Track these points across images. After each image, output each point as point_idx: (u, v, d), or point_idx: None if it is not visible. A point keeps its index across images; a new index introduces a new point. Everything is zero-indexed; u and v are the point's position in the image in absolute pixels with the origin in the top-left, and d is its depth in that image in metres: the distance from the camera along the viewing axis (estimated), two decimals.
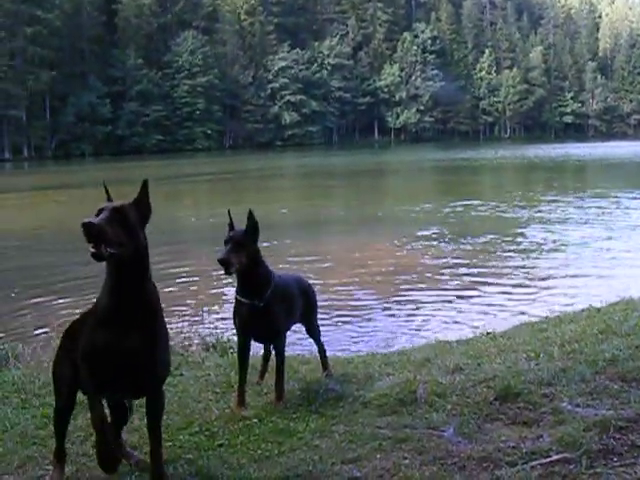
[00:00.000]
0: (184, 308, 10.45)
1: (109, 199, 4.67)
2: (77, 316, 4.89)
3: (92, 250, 4.08)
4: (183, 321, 9.18)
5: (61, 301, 14.91)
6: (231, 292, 9.48)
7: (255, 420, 5.57)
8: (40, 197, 42.58)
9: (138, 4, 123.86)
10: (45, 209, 36.33)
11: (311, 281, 14.35)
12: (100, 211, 4.33)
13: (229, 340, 8.77)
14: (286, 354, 6.55)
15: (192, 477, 4.57)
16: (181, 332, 8.89)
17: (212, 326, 9.29)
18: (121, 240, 4.12)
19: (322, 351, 7.12)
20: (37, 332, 9.25)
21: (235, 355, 6.75)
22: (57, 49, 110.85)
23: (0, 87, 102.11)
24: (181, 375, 7.12)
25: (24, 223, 29.84)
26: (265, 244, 20.55)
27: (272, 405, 5.93)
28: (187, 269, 18.28)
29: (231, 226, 6.46)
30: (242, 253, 6.05)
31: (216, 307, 9.70)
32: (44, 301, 14.93)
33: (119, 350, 4.11)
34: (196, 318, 9.19)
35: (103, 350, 4.12)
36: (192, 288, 15.08)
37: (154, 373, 4.27)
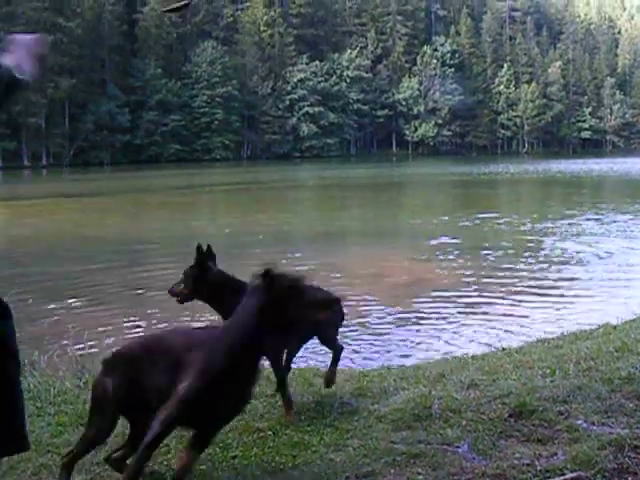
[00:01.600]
0: (200, 318, 10.46)
1: None
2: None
3: None
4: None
5: (77, 309, 14.94)
6: None
7: (269, 432, 5.57)
8: (58, 205, 42.71)
9: (158, 14, 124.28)
10: (63, 217, 36.42)
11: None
12: None
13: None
14: (300, 366, 6.53)
15: None
16: None
17: None
18: None
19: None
20: (53, 340, 9.29)
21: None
22: (77, 57, 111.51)
23: (20, 95, 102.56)
24: None
25: (42, 230, 29.92)
26: (280, 255, 20.64)
27: (287, 418, 5.93)
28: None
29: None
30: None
31: None
32: (60, 308, 14.94)
33: None
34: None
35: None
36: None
37: None
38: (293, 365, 7.43)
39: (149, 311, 14.70)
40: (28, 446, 2.95)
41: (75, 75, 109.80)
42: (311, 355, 9.63)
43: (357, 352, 11.28)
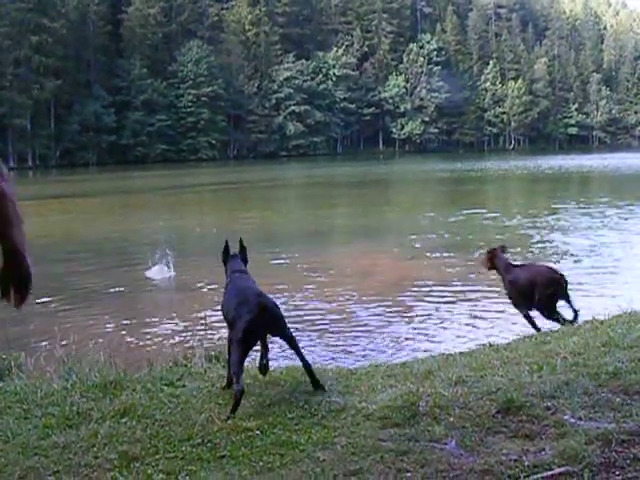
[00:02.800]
0: (187, 318, 10.46)
1: None
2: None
3: None
4: (186, 331, 9.17)
5: (63, 310, 14.93)
6: None
7: (257, 432, 5.55)
8: (44, 206, 42.58)
9: (143, 14, 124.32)
10: (49, 218, 36.33)
11: (312, 292, 14.34)
12: None
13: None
14: (287, 364, 6.54)
15: None
16: (184, 342, 8.88)
17: (215, 337, 9.29)
18: None
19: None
20: (40, 342, 9.27)
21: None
22: (62, 58, 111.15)
23: (5, 96, 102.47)
24: (183, 386, 7.10)
25: (28, 232, 29.68)
26: (269, 255, 20.65)
27: (274, 416, 5.91)
28: (190, 279, 18.28)
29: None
30: None
31: (219, 317, 9.69)
32: (47, 311, 14.93)
33: None
34: (199, 328, 9.17)
35: None
36: (195, 298, 15.09)
37: None
38: (284, 363, 7.46)
39: (134, 311, 14.70)
40: None
41: (60, 76, 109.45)
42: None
43: (345, 350, 11.30)
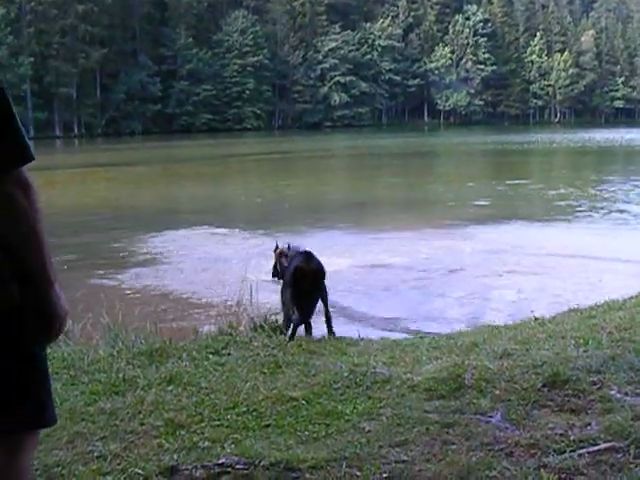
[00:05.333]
0: (232, 287, 10.44)
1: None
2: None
3: None
4: (231, 300, 9.19)
5: (110, 279, 15.05)
6: None
7: (303, 402, 5.58)
8: (89, 174, 42.88)
9: None
10: (94, 187, 36.60)
11: (354, 262, 14.37)
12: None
13: (277, 320, 8.81)
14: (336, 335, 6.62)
15: (239, 457, 4.59)
16: (229, 312, 8.91)
17: (260, 306, 9.30)
18: None
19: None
20: (87, 309, 9.31)
21: (283, 335, 8.04)
22: (108, 27, 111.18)
23: (51, 64, 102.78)
24: (229, 355, 7.15)
25: (73, 200, 30.08)
26: (309, 226, 20.64)
27: (319, 386, 5.93)
28: (235, 248, 18.34)
29: None
30: None
31: (264, 287, 9.71)
32: (93, 278, 15.06)
33: None
34: (245, 297, 9.19)
35: None
36: (240, 267, 15.15)
37: None
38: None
39: (180, 279, 14.78)
40: (45, 423, 2.94)
41: (106, 45, 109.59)
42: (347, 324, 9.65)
43: (389, 321, 11.30)
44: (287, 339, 7.86)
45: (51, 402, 2.92)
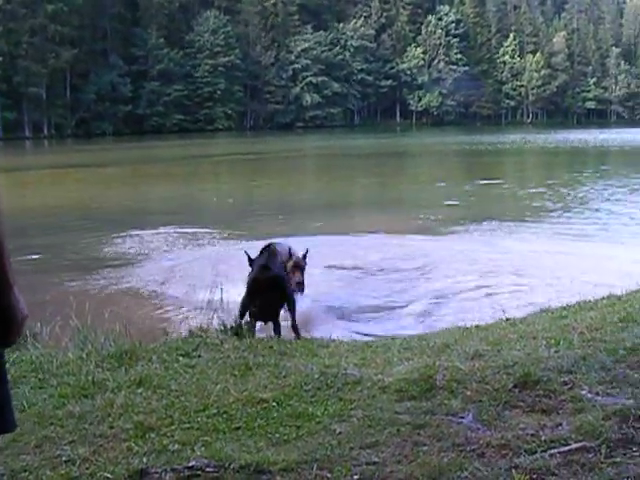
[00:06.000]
0: (202, 289, 10.39)
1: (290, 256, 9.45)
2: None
3: None
4: (202, 302, 9.17)
5: (79, 281, 14.94)
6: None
7: (273, 403, 5.56)
8: (60, 175, 42.68)
9: None
10: (65, 187, 36.43)
11: (325, 263, 14.34)
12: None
13: (247, 323, 8.79)
14: (305, 338, 6.59)
15: (209, 460, 4.56)
16: (200, 313, 8.88)
17: (231, 308, 9.27)
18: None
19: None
20: (55, 311, 9.23)
21: (251, 338, 7.66)
22: (78, 27, 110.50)
23: (20, 64, 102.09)
24: (199, 357, 7.12)
25: (43, 201, 29.92)
26: (285, 226, 20.61)
27: (290, 388, 5.90)
28: (206, 249, 18.29)
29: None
30: None
31: (234, 289, 9.68)
32: (62, 280, 14.96)
33: None
34: (215, 299, 9.16)
35: None
36: (210, 269, 15.09)
37: None
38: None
39: (150, 281, 14.71)
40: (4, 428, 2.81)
41: (76, 45, 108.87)
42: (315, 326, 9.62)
43: (361, 322, 11.29)
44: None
45: (10, 407, 2.84)
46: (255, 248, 9.76)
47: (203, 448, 4.78)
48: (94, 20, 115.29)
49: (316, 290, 12.84)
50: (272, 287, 8.97)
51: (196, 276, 14.01)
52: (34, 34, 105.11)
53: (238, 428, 5.15)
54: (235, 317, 8.85)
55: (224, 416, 5.36)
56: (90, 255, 18.05)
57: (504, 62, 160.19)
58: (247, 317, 8.92)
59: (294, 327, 9.00)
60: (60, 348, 7.59)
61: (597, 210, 24.98)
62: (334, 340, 8.37)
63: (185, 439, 4.92)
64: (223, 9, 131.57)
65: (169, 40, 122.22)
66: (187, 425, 5.20)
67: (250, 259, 9.68)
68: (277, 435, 4.99)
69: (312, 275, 13.02)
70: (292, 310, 9.15)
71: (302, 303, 10.34)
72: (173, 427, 5.16)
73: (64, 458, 4.68)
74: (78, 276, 15.35)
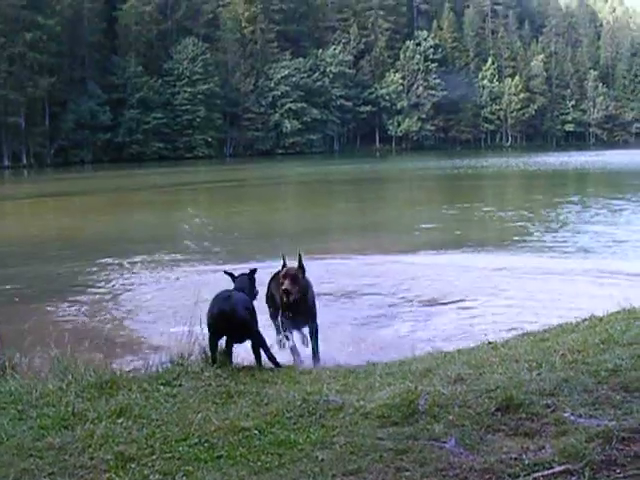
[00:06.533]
0: (183, 317, 10.33)
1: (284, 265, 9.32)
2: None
3: None
4: (182, 331, 9.11)
5: (58, 310, 14.85)
6: None
7: (255, 431, 5.51)
8: (39, 205, 42.58)
9: (138, 11, 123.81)
10: (44, 217, 36.32)
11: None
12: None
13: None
14: (285, 364, 6.55)
15: None
16: (180, 341, 8.82)
17: None
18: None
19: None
20: (34, 341, 9.16)
21: (232, 365, 7.64)
22: (57, 55, 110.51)
23: None
24: (180, 385, 7.07)
25: (23, 231, 29.81)
26: (264, 251, 20.57)
27: (272, 416, 5.86)
28: (186, 277, 18.22)
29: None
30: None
31: None
32: (41, 310, 14.86)
33: None
34: (197, 327, 9.10)
35: None
36: (190, 296, 15.03)
37: None
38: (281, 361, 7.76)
39: (130, 310, 14.64)
40: None
41: (55, 73, 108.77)
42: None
43: (343, 349, 11.24)
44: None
45: None
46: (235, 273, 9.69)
47: (185, 478, 4.74)
48: (72, 48, 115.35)
49: None
50: (229, 323, 8.13)
51: (176, 303, 13.96)
52: (13, 62, 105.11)
53: (220, 457, 5.11)
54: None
55: (205, 445, 5.32)
56: (70, 284, 17.95)
57: (483, 86, 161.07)
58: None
59: (270, 358, 8.44)
60: (40, 379, 7.52)
61: (578, 232, 25.08)
62: (315, 367, 8.34)
63: (166, 469, 4.87)
64: (202, 36, 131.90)
65: (148, 68, 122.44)
66: (168, 455, 5.15)
67: (233, 277, 8.88)
68: (259, 463, 4.94)
69: None
70: (259, 346, 8.27)
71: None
72: (154, 457, 5.11)
73: None
74: (57, 305, 15.26)
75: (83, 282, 18.21)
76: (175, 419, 5.90)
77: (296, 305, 9.24)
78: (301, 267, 9.67)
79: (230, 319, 8.02)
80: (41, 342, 8.79)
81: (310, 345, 9.45)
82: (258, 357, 8.18)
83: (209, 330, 8.13)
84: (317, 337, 9.51)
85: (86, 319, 13.89)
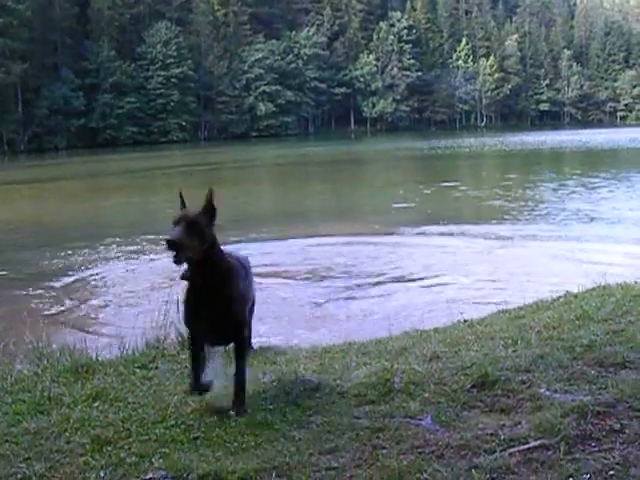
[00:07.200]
0: (158, 300, 10.30)
1: (183, 206, 5.78)
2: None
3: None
4: (158, 313, 9.08)
5: (35, 297, 14.79)
6: None
7: (231, 412, 5.51)
8: (13, 192, 42.32)
9: None
10: (18, 203, 36.11)
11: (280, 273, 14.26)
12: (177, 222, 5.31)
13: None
14: (262, 345, 6.52)
15: (167, 471, 4.50)
16: (156, 325, 8.80)
17: None
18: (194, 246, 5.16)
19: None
20: (9, 327, 9.12)
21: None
22: (28, 41, 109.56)
23: None
24: (156, 368, 7.05)
25: None
26: (238, 237, 20.55)
27: (248, 397, 5.83)
28: (161, 261, 18.16)
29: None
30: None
31: None
32: (16, 296, 14.80)
33: None
34: (172, 309, 9.08)
35: None
36: (168, 279, 15.00)
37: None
38: (255, 344, 7.61)
39: (105, 294, 14.60)
40: None
41: (27, 59, 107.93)
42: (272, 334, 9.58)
43: (319, 329, 11.26)
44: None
45: None
46: None
47: (161, 460, 4.72)
48: (44, 34, 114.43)
49: (270, 298, 12.82)
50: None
51: (152, 287, 13.94)
52: None
53: (196, 438, 5.10)
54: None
55: (182, 427, 5.30)
56: (44, 269, 17.89)
57: (457, 67, 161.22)
58: None
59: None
60: (15, 364, 7.48)
61: (553, 209, 25.19)
62: (292, 347, 8.34)
63: (143, 451, 4.86)
64: (175, 20, 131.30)
65: (121, 52, 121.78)
66: (145, 437, 5.13)
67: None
68: (235, 444, 4.94)
69: (268, 283, 13.02)
70: None
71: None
72: (130, 440, 5.09)
73: (19, 476, 4.59)
74: (32, 291, 15.20)
75: (57, 267, 18.14)
76: (151, 402, 5.88)
77: (205, 292, 5.54)
78: (209, 211, 5.79)
79: None
80: (15, 328, 8.77)
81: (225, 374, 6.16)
82: None
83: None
84: (243, 364, 5.78)
85: (61, 304, 13.85)
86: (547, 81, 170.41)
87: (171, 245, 5.20)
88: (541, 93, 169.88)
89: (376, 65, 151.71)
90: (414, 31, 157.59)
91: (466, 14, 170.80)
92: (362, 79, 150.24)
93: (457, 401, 5.40)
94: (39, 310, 12.61)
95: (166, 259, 15.26)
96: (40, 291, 15.22)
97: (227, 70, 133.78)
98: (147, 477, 4.46)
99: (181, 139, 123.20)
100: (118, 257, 19.17)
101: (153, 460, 4.72)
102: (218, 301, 5.51)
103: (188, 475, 4.42)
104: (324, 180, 43.45)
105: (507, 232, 20.53)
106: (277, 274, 15.75)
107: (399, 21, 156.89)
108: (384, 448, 4.68)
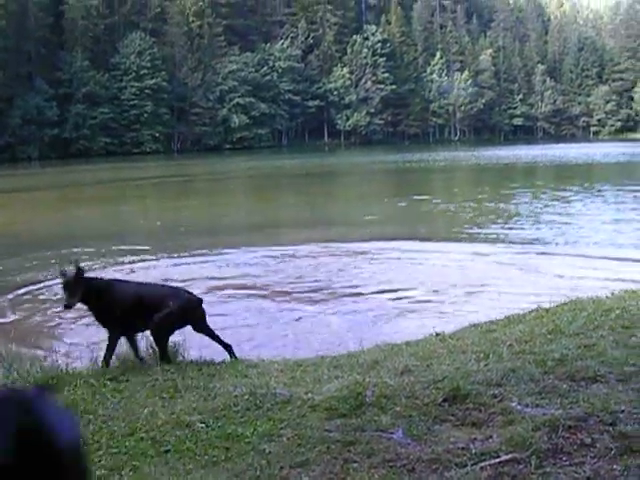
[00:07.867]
0: None
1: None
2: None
3: None
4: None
5: (5, 307, 14.67)
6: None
7: (202, 425, 5.48)
8: None
9: (85, 5, 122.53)
10: None
11: (251, 282, 14.20)
12: None
13: (175, 345, 8.65)
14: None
15: None
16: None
17: None
18: None
19: None
20: None
21: (181, 360, 7.39)
22: (2, 50, 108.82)
23: None
24: (127, 381, 7.01)
25: None
26: (207, 249, 20.48)
27: (219, 409, 5.82)
28: (135, 273, 18.09)
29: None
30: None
31: None
32: None
33: None
34: None
35: None
36: None
37: None
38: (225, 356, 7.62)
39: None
40: None
41: (0, 68, 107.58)
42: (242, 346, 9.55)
43: (290, 342, 11.22)
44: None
45: None
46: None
47: (131, 473, 4.70)
48: (18, 43, 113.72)
49: (237, 310, 12.78)
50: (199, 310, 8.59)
51: None
52: None
53: (167, 451, 5.08)
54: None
55: (152, 440, 5.28)
56: (14, 280, 17.74)
57: (431, 80, 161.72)
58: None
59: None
60: None
61: (526, 222, 25.27)
62: (263, 360, 8.31)
63: (113, 464, 4.83)
64: (149, 31, 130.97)
65: (94, 63, 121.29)
66: (115, 450, 5.10)
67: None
68: (206, 457, 4.92)
69: (236, 295, 12.96)
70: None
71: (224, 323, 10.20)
72: (100, 452, 5.07)
73: None
74: (1, 302, 15.09)
75: (28, 278, 18.00)
76: (122, 414, 5.85)
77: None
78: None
79: (199, 306, 8.46)
80: None
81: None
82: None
83: (171, 323, 8.12)
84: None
85: (32, 316, 13.74)
86: (521, 96, 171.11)
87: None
88: (515, 108, 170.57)
89: (350, 78, 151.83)
90: (388, 45, 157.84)
91: (441, 28, 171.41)
92: (336, 92, 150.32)
93: (429, 415, 5.40)
94: (9, 321, 12.51)
95: (138, 271, 15.18)
96: (10, 302, 15.10)
97: (201, 82, 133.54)
98: None
99: (154, 150, 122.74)
100: (89, 267, 19.03)
101: (123, 473, 4.70)
102: None
103: None
104: (297, 192, 43.46)
105: (479, 245, 20.56)
106: (245, 286, 15.71)
107: (373, 34, 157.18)
108: (355, 462, 4.67)
